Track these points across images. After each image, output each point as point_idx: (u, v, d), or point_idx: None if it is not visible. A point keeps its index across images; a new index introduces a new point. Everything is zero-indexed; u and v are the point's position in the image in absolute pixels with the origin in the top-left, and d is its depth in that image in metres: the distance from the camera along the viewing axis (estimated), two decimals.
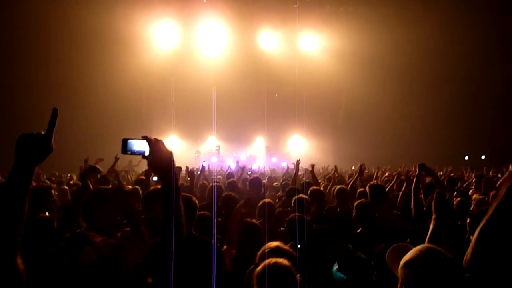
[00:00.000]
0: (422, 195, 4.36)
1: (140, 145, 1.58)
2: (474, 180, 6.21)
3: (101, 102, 16.88)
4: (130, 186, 5.86)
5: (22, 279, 1.25)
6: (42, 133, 1.34)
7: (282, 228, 3.75)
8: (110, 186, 3.48)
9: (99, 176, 6.78)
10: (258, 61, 19.91)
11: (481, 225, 1.70)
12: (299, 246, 2.93)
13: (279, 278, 1.90)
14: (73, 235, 1.27)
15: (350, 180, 6.85)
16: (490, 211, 1.68)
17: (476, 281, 1.52)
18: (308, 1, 17.87)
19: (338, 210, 4.85)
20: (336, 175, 8.16)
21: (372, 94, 19.08)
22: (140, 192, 4.35)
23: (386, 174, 9.31)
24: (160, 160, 1.55)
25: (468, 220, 3.24)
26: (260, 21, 18.81)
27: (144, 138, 1.58)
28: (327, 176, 8.76)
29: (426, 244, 1.65)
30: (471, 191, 5.83)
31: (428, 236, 2.68)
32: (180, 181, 5.81)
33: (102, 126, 16.63)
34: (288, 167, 13.15)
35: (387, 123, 19.77)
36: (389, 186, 6.05)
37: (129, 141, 1.60)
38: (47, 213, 3.13)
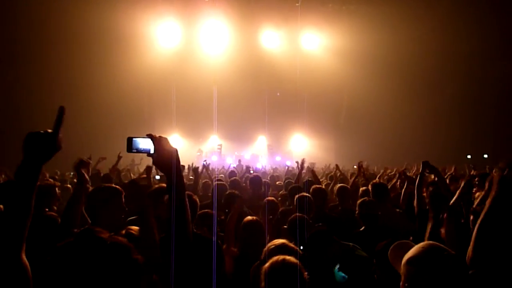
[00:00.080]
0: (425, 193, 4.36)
1: (145, 143, 1.60)
2: (476, 178, 6.20)
3: (103, 101, 16.91)
4: None
5: (27, 274, 1.27)
6: (49, 131, 1.35)
7: (284, 226, 3.77)
8: (113, 184, 3.49)
9: (102, 174, 6.84)
10: (260, 59, 19.90)
11: (479, 221, 1.71)
12: (301, 247, 2.94)
13: (287, 275, 1.90)
14: (81, 230, 1.28)
15: (352, 178, 6.87)
16: (486, 206, 1.69)
17: (479, 278, 1.53)
18: None
19: (340, 208, 4.86)
20: (339, 173, 8.16)
21: (374, 93, 19.05)
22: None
23: (390, 172, 9.30)
24: (165, 157, 1.56)
25: (471, 217, 3.24)
26: (262, 20, 18.78)
27: (149, 136, 1.59)
28: (329, 175, 8.77)
29: (428, 241, 1.66)
30: (474, 189, 5.82)
31: (427, 235, 2.69)
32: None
33: (104, 125, 16.68)
34: (288, 166, 13.17)
35: (389, 121, 19.74)
36: (391, 185, 6.06)
37: (134, 139, 1.62)
38: (53, 212, 3.15)
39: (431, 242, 1.64)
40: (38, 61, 15.95)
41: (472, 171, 8.34)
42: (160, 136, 1.59)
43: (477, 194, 4.83)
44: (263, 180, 6.11)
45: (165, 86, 19.16)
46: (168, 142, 1.59)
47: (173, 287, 1.49)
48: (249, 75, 19.85)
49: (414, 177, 5.19)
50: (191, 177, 7.48)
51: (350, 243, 3.03)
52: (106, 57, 16.80)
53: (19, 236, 1.27)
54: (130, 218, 3.59)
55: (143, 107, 20.45)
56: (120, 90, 17.10)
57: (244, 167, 10.34)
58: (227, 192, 4.62)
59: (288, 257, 1.97)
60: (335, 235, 3.11)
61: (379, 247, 2.45)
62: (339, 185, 5.33)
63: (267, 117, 18.17)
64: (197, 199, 3.08)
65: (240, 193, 4.55)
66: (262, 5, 17.91)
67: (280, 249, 2.31)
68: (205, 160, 9.49)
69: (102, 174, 6.82)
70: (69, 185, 6.12)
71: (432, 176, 5.13)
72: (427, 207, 3.87)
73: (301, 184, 5.50)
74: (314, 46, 20.28)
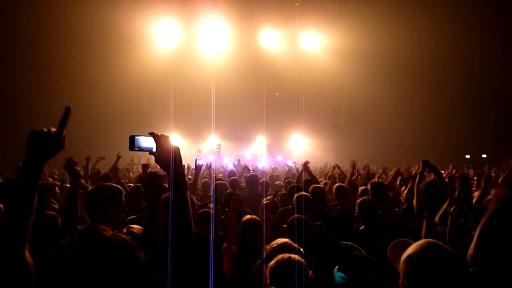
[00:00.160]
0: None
1: (147, 142, 1.62)
2: (475, 178, 6.24)
3: (102, 101, 16.91)
4: (131, 184, 5.91)
5: (31, 271, 1.28)
6: (53, 130, 1.36)
7: (284, 225, 3.78)
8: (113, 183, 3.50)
9: (101, 173, 6.85)
10: (259, 59, 19.91)
11: (483, 220, 1.71)
12: (301, 249, 2.94)
13: (293, 272, 1.91)
14: (85, 228, 1.29)
15: (350, 177, 6.88)
16: (493, 206, 1.69)
17: (480, 276, 1.54)
18: None
19: (338, 207, 4.88)
20: (339, 172, 8.18)
21: (373, 92, 19.06)
22: (142, 189, 4.38)
23: (389, 171, 9.34)
24: (166, 155, 1.58)
25: (470, 216, 3.26)
26: (261, 20, 18.79)
27: (151, 134, 1.61)
28: (328, 174, 8.78)
29: (427, 239, 1.68)
30: (473, 188, 5.85)
31: (423, 233, 2.71)
32: None
33: (104, 125, 16.68)
34: (289, 166, 13.15)
35: (388, 121, 19.75)
36: (388, 183, 6.07)
37: (136, 137, 1.64)
38: (53, 211, 3.16)
39: (430, 239, 1.65)
40: (37, 61, 15.94)
41: (471, 171, 8.37)
42: (162, 135, 1.60)
43: (475, 193, 4.87)
44: (261, 179, 6.13)
45: (164, 85, 19.13)
46: (170, 140, 1.61)
47: (173, 286, 1.50)
48: (248, 75, 19.85)
49: (414, 175, 5.21)
50: (190, 176, 7.48)
51: (349, 243, 3.04)
52: (105, 57, 16.80)
53: (22, 233, 1.28)
54: (130, 217, 3.61)
55: (142, 107, 20.44)
56: (119, 90, 17.09)
57: (243, 166, 10.32)
58: (227, 192, 4.63)
59: (293, 255, 1.99)
60: (334, 234, 3.12)
61: (378, 245, 2.46)
62: (337, 184, 5.36)
63: (266, 117, 18.16)
64: (195, 199, 3.09)
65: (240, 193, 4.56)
66: (261, 5, 17.92)
67: (283, 248, 2.33)
68: (200, 159, 9.46)
69: (101, 174, 6.83)
70: (68, 185, 6.12)
71: (432, 176, 5.16)
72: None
73: (300, 184, 5.51)
74: (313, 45, 20.30)
